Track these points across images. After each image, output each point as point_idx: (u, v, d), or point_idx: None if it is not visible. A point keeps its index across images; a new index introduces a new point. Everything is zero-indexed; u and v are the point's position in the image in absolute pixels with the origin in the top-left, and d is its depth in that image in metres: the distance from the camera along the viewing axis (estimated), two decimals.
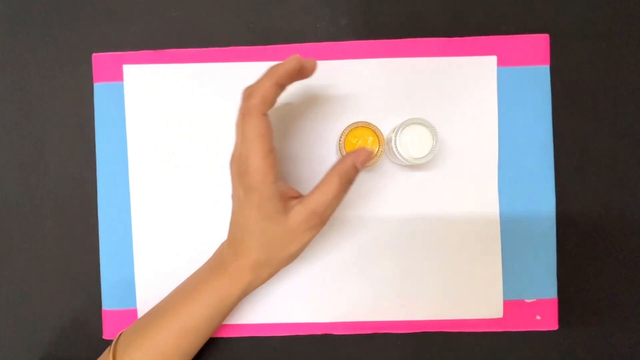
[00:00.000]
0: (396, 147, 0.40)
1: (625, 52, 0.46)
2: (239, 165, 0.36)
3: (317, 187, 0.37)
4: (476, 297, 0.46)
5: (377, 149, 0.42)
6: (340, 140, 0.42)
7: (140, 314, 0.46)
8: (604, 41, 0.46)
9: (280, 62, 0.35)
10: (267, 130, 0.35)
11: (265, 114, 0.36)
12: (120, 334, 0.42)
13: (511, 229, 0.46)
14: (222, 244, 0.42)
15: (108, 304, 0.46)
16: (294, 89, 0.46)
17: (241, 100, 0.36)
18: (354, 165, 0.37)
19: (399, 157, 0.41)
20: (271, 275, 0.40)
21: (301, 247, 0.38)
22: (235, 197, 0.38)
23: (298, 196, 0.38)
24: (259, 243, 0.37)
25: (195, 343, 0.41)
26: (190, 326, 0.40)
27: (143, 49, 0.46)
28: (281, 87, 0.36)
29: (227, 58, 0.46)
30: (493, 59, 0.46)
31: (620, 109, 0.46)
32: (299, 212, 0.36)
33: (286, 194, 0.38)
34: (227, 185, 0.45)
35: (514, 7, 0.46)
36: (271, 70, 0.35)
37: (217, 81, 0.46)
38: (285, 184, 0.40)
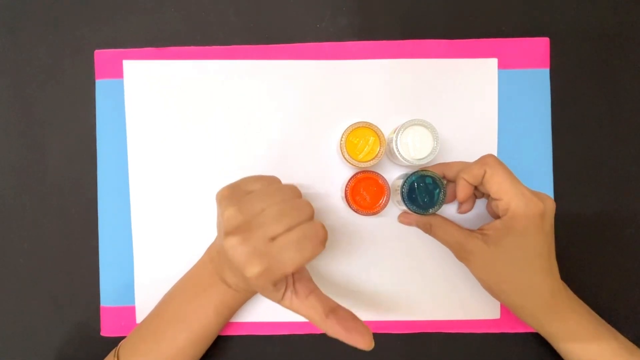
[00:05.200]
0: (397, 147, 0.40)
1: (625, 56, 0.46)
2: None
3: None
4: (474, 298, 0.46)
5: (377, 150, 0.42)
6: (341, 141, 0.42)
7: (138, 312, 0.46)
8: (604, 45, 0.47)
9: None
10: None
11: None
12: (122, 341, 0.42)
13: None
14: (214, 248, 0.41)
15: (106, 300, 0.46)
16: (294, 90, 0.46)
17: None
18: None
19: (399, 157, 0.41)
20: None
21: None
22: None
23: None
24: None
25: (201, 347, 0.42)
26: (196, 332, 0.41)
27: (144, 47, 0.46)
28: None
29: (228, 56, 0.46)
30: (494, 61, 0.46)
31: (620, 112, 0.46)
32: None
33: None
34: (227, 182, 0.46)
35: (515, 10, 0.46)
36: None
37: (217, 78, 0.46)
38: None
